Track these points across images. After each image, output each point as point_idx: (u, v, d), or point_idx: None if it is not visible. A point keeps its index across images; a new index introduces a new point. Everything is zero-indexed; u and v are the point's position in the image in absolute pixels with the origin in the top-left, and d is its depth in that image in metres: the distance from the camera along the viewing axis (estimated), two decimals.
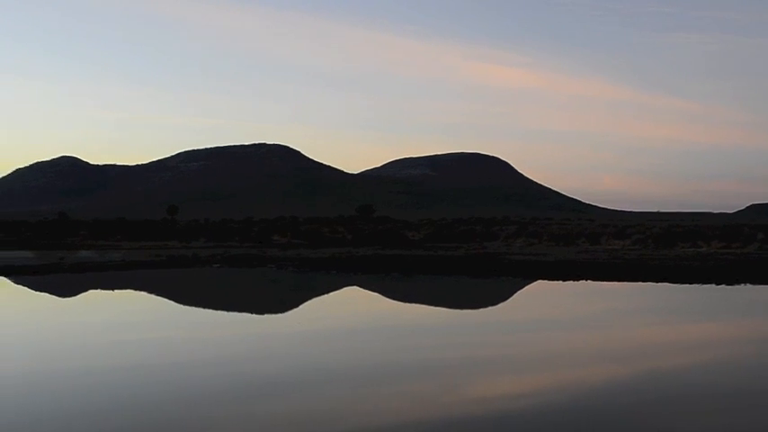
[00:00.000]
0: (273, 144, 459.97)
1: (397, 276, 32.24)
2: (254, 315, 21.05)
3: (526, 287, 27.95)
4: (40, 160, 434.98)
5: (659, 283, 27.55)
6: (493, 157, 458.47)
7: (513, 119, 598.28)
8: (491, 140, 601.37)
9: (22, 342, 15.55)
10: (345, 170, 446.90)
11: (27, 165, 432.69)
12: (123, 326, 18.19)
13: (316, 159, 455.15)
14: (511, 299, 25.40)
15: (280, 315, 21.32)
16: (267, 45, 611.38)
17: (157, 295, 26.08)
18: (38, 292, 26.43)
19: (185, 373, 12.27)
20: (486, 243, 59.84)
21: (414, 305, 24.06)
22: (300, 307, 23.00)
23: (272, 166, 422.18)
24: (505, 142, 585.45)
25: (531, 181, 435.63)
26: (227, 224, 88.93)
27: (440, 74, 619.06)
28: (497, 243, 60.24)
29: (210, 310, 21.95)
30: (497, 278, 30.62)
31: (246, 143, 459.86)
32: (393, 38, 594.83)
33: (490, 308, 23.13)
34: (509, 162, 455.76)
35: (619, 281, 28.77)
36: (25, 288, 27.57)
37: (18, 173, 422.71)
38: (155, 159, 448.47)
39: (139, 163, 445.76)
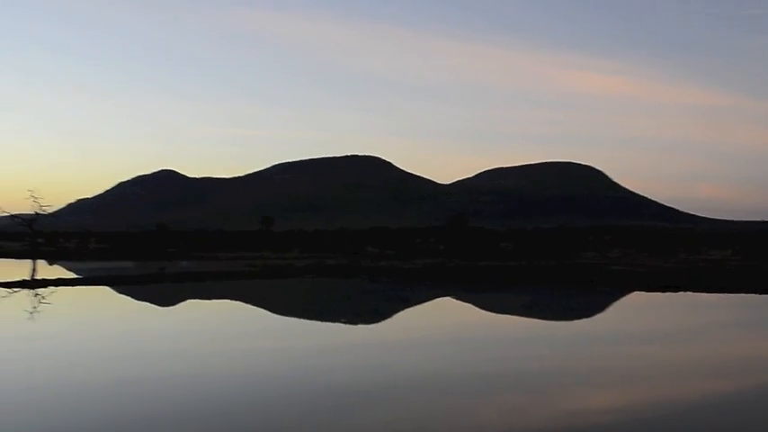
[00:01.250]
0: (365, 155, 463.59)
1: (490, 287, 31.98)
2: (348, 325, 21.19)
3: (623, 298, 27.35)
4: (141, 174, 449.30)
5: (763, 295, 26.56)
6: (587, 165, 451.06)
7: (607, 127, 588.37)
8: (585, 149, 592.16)
9: (123, 350, 16.02)
10: (437, 181, 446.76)
11: (129, 178, 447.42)
12: (222, 335, 18.57)
13: (407, 170, 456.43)
14: (607, 310, 24.89)
15: (374, 325, 21.40)
16: (358, 58, 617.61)
17: (254, 305, 26.51)
18: (139, 302, 27.24)
19: (282, 382, 12.43)
20: (580, 253, 58.81)
21: (507, 316, 23.83)
22: (394, 317, 23.07)
23: (364, 177, 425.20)
24: (599, 151, 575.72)
25: (627, 189, 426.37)
26: (321, 235, 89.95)
27: (532, 83, 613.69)
28: (592, 253, 59.14)
29: (305, 320, 22.20)
30: (593, 289, 30.05)
31: (339, 155, 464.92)
32: (485, 48, 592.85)
33: (585, 320, 22.70)
34: (603, 171, 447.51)
35: (720, 292, 27.85)
36: (127, 297, 28.46)
37: (121, 186, 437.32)
38: (250, 172, 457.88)
39: (235, 175, 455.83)
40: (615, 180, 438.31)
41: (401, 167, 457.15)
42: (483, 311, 25.51)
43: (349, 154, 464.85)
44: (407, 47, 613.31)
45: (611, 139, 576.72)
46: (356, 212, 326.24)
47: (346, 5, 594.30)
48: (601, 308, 25.31)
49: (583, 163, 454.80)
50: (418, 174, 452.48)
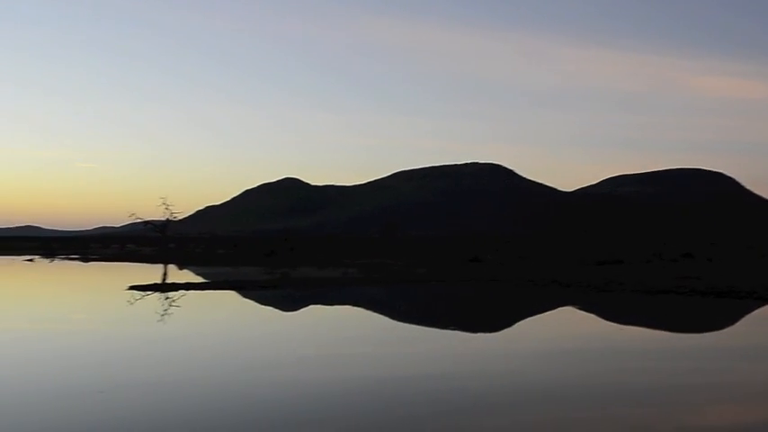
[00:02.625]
0: (485, 163, 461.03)
1: (618, 295, 30.99)
2: (469, 333, 20.89)
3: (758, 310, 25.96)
4: (266, 182, 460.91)
5: None
6: (716, 172, 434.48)
7: (739, 132, 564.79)
8: (714, 155, 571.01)
9: (248, 353, 16.26)
10: (559, 188, 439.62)
11: (254, 186, 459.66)
12: (340, 340, 18.62)
13: (528, 177, 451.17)
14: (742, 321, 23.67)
15: (499, 333, 21.03)
16: (478, 65, 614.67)
17: (377, 312, 26.55)
18: (263, 306, 27.74)
19: (404, 389, 12.31)
20: (707, 263, 56.29)
21: (633, 327, 22.96)
22: (517, 325, 22.63)
23: (484, 185, 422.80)
24: (730, 157, 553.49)
25: (760, 197, 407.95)
26: (443, 241, 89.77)
27: (657, 88, 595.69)
28: (719, 264, 56.53)
29: (424, 328, 22.02)
30: (730, 300, 28.67)
31: (459, 162, 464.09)
32: (607, 53, 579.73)
33: (719, 332, 21.64)
34: (735, 177, 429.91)
35: None
36: (251, 301, 29.04)
37: (246, 194, 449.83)
38: (372, 179, 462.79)
39: (357, 183, 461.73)
40: (747, 187, 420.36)
41: (522, 174, 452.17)
42: (609, 322, 24.65)
43: (469, 161, 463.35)
44: (529, 52, 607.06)
45: (742, 144, 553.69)
46: (476, 219, 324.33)
47: (466, 13, 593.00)
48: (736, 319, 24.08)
49: (712, 169, 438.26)
50: (540, 181, 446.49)
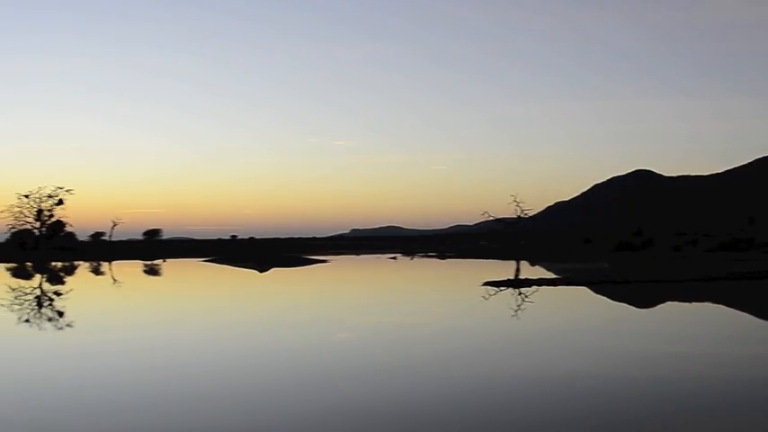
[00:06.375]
0: None
1: None
2: None
3: None
4: (615, 175, 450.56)
5: None
6: None
7: None
8: None
9: (604, 352, 16.32)
10: None
11: (603, 180, 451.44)
12: (685, 338, 17.97)
13: None
14: None
15: None
16: None
17: (740, 310, 25.13)
18: (616, 302, 27.49)
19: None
20: None
21: None
22: None
23: None
24: None
25: None
26: None
27: None
28: None
29: None
30: None
31: None
32: None
33: None
34: None
35: None
36: (604, 298, 28.90)
37: (595, 188, 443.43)
38: (729, 168, 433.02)
39: (713, 172, 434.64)
40: None
41: None
42: None
43: None
44: None
45: None
46: None
47: None
48: None
49: None
50: None
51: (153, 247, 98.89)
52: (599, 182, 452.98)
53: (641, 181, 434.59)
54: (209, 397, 11.35)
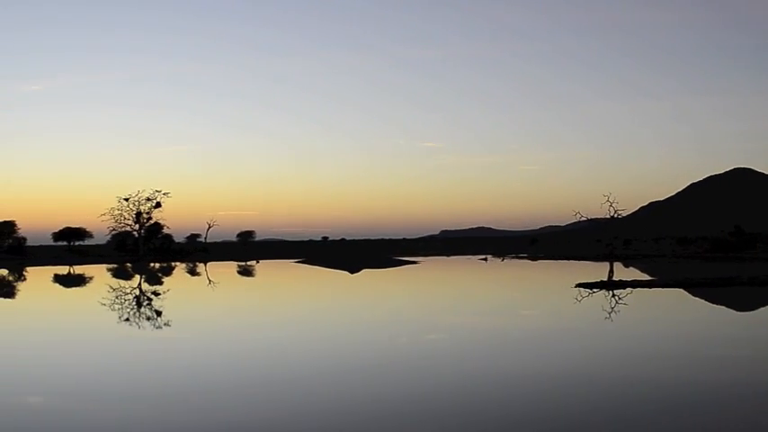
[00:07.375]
0: None
1: None
2: None
3: None
4: (713, 174, 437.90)
5: None
6: None
7: None
8: None
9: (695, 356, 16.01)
10: None
11: (701, 179, 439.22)
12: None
13: None
14: None
15: None
16: None
17: None
18: (712, 305, 26.81)
19: None
20: None
21: None
22: None
23: None
24: None
25: None
26: None
27: None
28: None
29: None
30: None
31: None
32: None
33: None
34: None
35: None
36: (701, 300, 28.23)
37: (692, 187, 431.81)
38: None
39: None
40: None
41: None
42: None
43: None
44: None
45: None
46: None
47: None
48: None
49: None
50: None
51: (247, 249, 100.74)
52: (696, 180, 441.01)
53: (741, 179, 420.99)
54: (309, 401, 11.63)
